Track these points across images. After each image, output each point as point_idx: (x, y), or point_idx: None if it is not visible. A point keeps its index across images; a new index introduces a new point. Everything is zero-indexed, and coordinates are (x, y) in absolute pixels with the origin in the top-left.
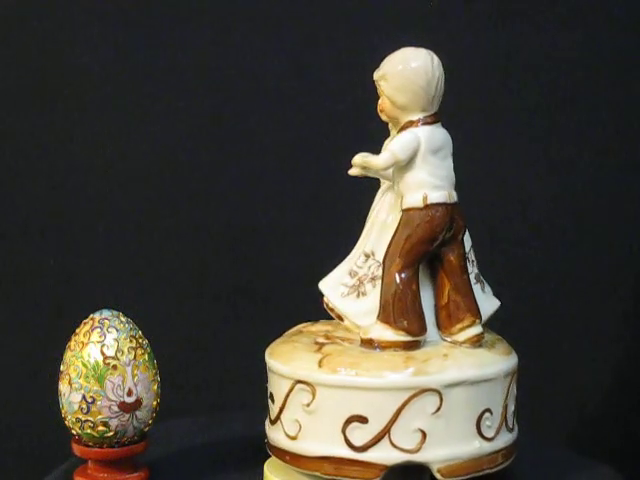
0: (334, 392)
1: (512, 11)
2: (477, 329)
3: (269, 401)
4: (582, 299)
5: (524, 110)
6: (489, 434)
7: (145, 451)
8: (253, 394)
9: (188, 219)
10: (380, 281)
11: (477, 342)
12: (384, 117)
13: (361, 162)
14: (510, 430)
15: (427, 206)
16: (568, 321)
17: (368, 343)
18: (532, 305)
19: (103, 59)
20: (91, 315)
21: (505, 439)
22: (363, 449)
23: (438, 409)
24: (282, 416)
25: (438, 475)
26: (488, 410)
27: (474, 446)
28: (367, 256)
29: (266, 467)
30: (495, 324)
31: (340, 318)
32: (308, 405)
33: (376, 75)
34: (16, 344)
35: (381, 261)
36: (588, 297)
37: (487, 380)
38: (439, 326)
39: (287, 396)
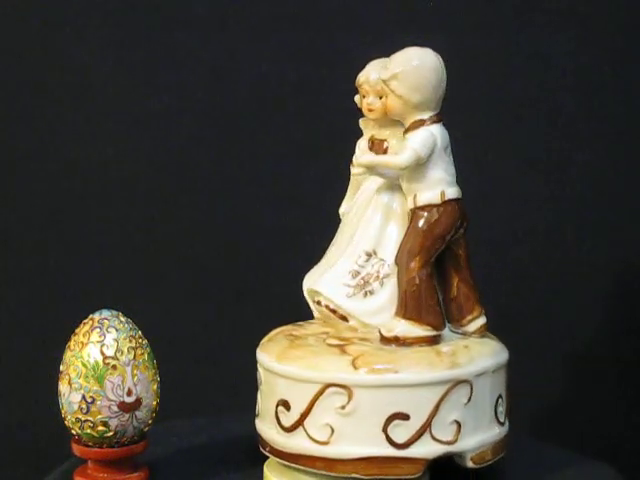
0: (374, 392)
1: (511, 10)
2: (484, 319)
3: (278, 409)
4: (581, 296)
5: (521, 110)
6: (502, 419)
7: (145, 451)
8: (253, 394)
9: (188, 219)
10: (388, 279)
11: (484, 332)
12: (373, 116)
13: (369, 162)
14: (508, 415)
15: (445, 202)
16: (567, 319)
17: (393, 341)
18: (523, 301)
19: (103, 59)
20: (90, 315)
21: (508, 423)
22: (405, 446)
23: (469, 399)
24: (305, 422)
25: (470, 463)
26: (501, 396)
27: (495, 431)
28: (369, 255)
29: (266, 467)
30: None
31: (344, 319)
32: (343, 408)
33: (385, 75)
34: (16, 344)
35: (385, 259)
36: (588, 294)
37: (501, 367)
38: (448, 318)
39: (314, 401)
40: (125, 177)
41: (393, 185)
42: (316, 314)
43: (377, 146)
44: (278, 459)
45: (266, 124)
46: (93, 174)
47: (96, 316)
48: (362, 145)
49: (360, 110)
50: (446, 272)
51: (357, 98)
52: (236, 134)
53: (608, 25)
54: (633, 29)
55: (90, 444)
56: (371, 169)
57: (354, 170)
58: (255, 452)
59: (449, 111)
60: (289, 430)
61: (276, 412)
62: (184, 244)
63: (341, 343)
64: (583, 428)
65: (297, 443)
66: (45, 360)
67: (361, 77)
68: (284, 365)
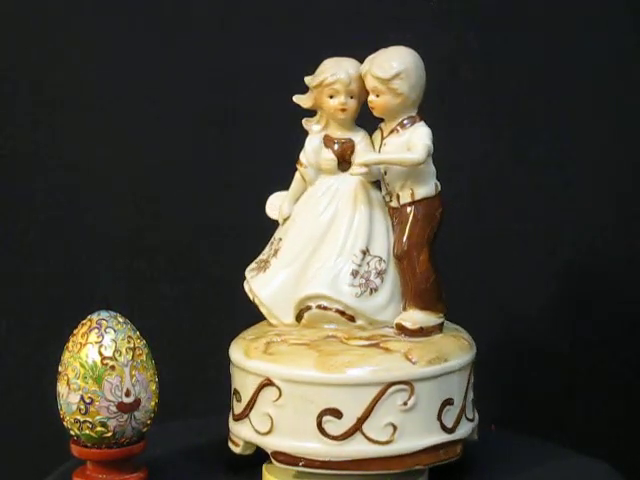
0: (431, 383)
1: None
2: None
3: (323, 419)
4: (584, 292)
5: (511, 107)
6: None
7: (144, 452)
8: None
9: (187, 220)
10: (386, 274)
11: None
12: (344, 116)
13: (378, 160)
14: None
15: (438, 194)
16: (565, 317)
17: (418, 332)
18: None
19: (103, 60)
20: (89, 316)
21: None
22: (453, 429)
23: (474, 377)
24: (364, 426)
25: (475, 436)
26: None
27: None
28: (364, 253)
29: (265, 468)
30: None
31: (352, 319)
32: (405, 404)
33: (386, 74)
34: (16, 344)
35: (379, 255)
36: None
37: None
38: None
39: (374, 403)
40: (124, 176)
41: (366, 183)
42: (280, 320)
43: (331, 143)
44: (322, 471)
45: (263, 124)
46: (92, 174)
47: (94, 317)
48: (315, 144)
49: (304, 110)
50: None
51: (300, 98)
52: (235, 135)
53: (607, 24)
54: (634, 29)
55: (89, 445)
56: (370, 168)
57: (356, 170)
58: (254, 453)
59: (448, 111)
60: (341, 438)
61: (319, 423)
62: (184, 245)
63: (372, 342)
64: (579, 425)
65: (353, 449)
66: (44, 361)
67: (329, 77)
68: (333, 374)
